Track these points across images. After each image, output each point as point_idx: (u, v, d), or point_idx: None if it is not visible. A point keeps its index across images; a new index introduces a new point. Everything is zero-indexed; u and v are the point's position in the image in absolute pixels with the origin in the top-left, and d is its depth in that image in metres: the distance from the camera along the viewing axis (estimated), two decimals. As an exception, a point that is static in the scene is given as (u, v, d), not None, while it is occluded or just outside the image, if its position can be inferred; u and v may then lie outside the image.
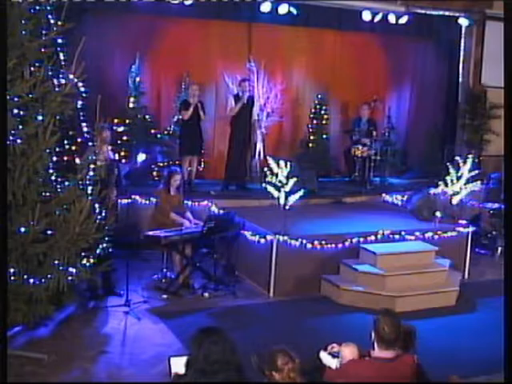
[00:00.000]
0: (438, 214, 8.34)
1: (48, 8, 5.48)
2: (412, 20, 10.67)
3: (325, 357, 3.99)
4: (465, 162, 8.59)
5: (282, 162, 7.38)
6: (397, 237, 7.99)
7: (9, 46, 4.89)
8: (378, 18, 10.46)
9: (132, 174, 9.06)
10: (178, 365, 3.61)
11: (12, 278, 5.10)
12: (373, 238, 7.83)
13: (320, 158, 10.91)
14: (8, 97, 4.88)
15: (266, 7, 9.75)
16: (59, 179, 5.60)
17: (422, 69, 11.88)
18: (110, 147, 7.64)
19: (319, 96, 11.01)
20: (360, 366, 3.79)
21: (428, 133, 11.82)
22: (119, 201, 7.81)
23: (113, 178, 7.22)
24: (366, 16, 10.39)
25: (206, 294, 7.23)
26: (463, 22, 11.29)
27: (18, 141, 5.06)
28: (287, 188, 7.34)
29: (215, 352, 3.28)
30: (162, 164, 9.69)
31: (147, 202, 8.49)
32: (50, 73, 5.38)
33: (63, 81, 5.38)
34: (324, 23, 10.49)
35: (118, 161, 8.03)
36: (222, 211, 8.43)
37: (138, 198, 8.58)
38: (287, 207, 7.42)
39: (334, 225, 8.22)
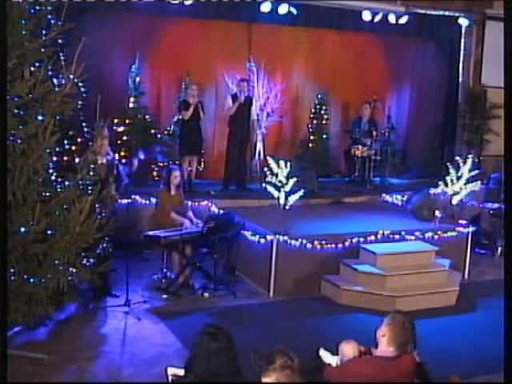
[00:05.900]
0: (437, 213, 8.34)
1: (48, 8, 5.46)
2: (412, 20, 10.70)
3: (324, 354, 3.99)
4: (465, 162, 8.59)
5: (281, 162, 7.38)
6: (397, 237, 7.98)
7: (9, 46, 4.89)
8: (377, 18, 10.49)
9: (132, 173, 9.06)
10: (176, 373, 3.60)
11: (12, 277, 5.10)
12: (373, 237, 7.82)
13: (320, 157, 10.92)
14: (8, 97, 4.88)
15: (266, 7, 9.77)
16: (59, 179, 5.59)
17: (421, 69, 11.88)
18: (109, 147, 7.63)
19: (319, 96, 11.01)
20: (361, 365, 3.79)
21: (428, 133, 11.83)
22: (119, 201, 7.80)
23: (111, 177, 7.21)
24: (366, 16, 10.41)
25: (206, 294, 7.23)
26: (463, 21, 11.30)
27: (18, 141, 5.06)
28: (287, 188, 7.34)
29: (218, 363, 3.26)
30: (161, 164, 9.70)
31: (147, 202, 8.50)
32: (49, 73, 5.37)
33: (63, 81, 5.38)
34: (324, 23, 10.51)
35: (118, 160, 8.03)
36: (221, 211, 8.43)
37: (137, 198, 8.59)
38: (287, 207, 7.42)
39: (334, 225, 8.22)
